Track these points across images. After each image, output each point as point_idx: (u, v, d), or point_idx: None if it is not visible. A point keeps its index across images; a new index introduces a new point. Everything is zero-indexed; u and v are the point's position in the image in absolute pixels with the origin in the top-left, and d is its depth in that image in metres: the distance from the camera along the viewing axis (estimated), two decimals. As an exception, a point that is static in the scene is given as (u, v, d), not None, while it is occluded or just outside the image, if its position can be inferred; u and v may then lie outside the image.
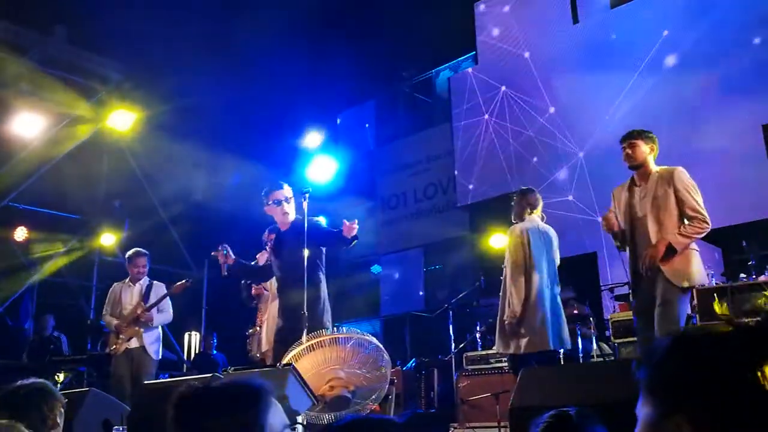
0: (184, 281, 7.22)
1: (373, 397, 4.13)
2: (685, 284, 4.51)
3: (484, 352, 7.65)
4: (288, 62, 11.05)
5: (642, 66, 9.15)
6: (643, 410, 1.10)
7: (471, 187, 10.92)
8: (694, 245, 4.62)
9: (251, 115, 11.37)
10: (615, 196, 5.04)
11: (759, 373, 0.98)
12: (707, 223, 4.56)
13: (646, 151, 4.84)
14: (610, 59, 9.50)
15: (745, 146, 8.20)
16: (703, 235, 4.62)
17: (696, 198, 4.61)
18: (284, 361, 3.94)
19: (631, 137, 4.89)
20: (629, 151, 4.84)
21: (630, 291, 4.90)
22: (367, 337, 4.22)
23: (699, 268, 4.62)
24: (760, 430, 0.99)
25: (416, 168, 12.40)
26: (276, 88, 11.21)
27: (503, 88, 10.77)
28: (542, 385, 3.46)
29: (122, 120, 10.69)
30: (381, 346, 4.26)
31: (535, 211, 5.76)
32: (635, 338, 5.68)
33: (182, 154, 10.92)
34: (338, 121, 13.64)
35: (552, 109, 10.07)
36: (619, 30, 9.56)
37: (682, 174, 4.71)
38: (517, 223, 5.75)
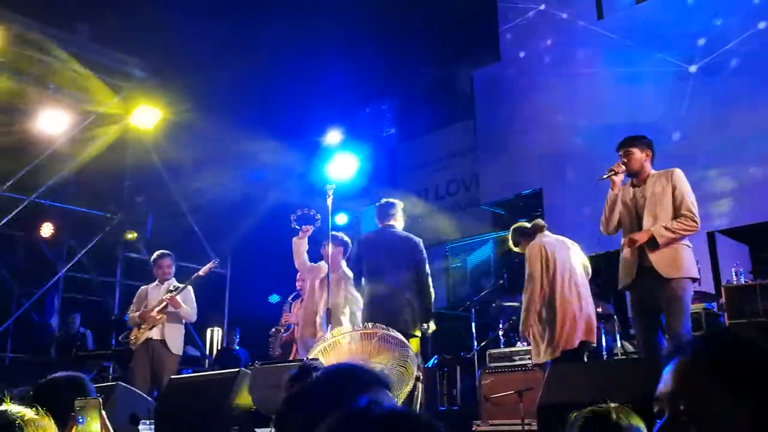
0: (211, 262, 7.28)
1: (399, 393, 4.12)
2: (677, 274, 4.58)
3: (507, 350, 7.60)
4: (310, 59, 11.07)
5: (670, 62, 9.05)
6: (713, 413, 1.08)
7: (494, 184, 10.86)
8: (685, 241, 4.71)
9: (274, 112, 11.39)
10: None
11: None
12: (696, 222, 4.65)
13: (642, 158, 4.93)
14: (636, 56, 9.40)
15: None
16: (690, 233, 4.70)
17: (691, 199, 4.72)
18: (310, 356, 3.95)
19: (626, 145, 4.98)
20: (625, 159, 4.93)
21: (624, 289, 4.96)
22: (392, 333, 4.21)
23: (690, 260, 4.70)
24: None
25: (437, 165, 12.36)
26: (298, 84, 11.23)
27: (526, 84, 10.70)
28: (570, 382, 3.44)
29: (146, 117, 10.77)
30: (406, 341, 4.25)
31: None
32: None
33: (205, 150, 10.98)
34: (360, 116, 13.63)
35: (577, 106, 9.99)
36: (645, 26, 9.46)
37: (681, 174, 4.81)
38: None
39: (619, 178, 4.91)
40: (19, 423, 1.44)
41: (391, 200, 6.46)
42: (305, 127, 11.64)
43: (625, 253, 4.81)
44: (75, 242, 11.50)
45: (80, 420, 2.39)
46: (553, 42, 10.49)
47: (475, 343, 7.98)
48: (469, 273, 11.48)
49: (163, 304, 6.85)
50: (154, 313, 6.82)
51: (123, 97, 11.33)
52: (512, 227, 6.31)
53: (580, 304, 5.84)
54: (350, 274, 6.43)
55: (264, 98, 11.14)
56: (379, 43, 11.15)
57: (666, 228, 4.59)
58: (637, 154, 4.90)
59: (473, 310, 8.19)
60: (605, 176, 4.95)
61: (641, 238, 4.60)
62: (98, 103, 11.16)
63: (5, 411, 1.52)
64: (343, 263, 6.54)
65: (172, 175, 11.69)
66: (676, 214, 4.68)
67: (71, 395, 2.90)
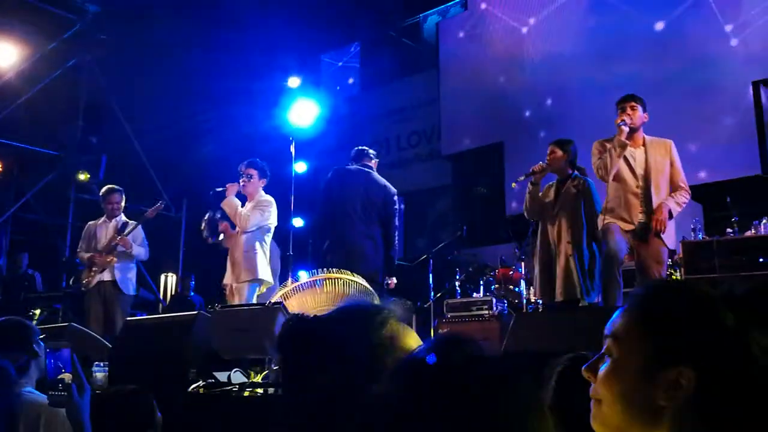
0: (158, 204, 7.19)
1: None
2: (671, 246, 4.94)
3: (465, 300, 7.67)
4: (270, 3, 10.76)
5: (635, 23, 9.03)
6: (626, 353, 1.11)
7: (455, 136, 10.82)
8: None
9: (232, 56, 11.10)
10: (600, 147, 5.03)
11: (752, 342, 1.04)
12: (689, 193, 5.00)
13: (643, 118, 4.97)
14: (605, 9, 9.35)
15: (732, 103, 8.18)
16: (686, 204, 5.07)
17: (682, 171, 4.98)
18: (273, 300, 3.89)
19: (633, 99, 4.98)
20: (630, 112, 4.89)
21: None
22: (356, 279, 4.18)
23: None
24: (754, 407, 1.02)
25: (400, 115, 12.22)
26: (258, 27, 10.93)
27: (491, 34, 10.59)
28: (536, 329, 3.46)
29: (100, 54, 10.37)
30: (369, 287, 4.23)
31: None
32: None
33: (162, 92, 10.67)
34: (321, 63, 13.36)
35: (542, 60, 9.93)
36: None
37: (674, 147, 5.01)
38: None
39: (626, 129, 4.90)
40: None
41: (368, 149, 6.37)
42: (266, 73, 11.37)
43: (628, 203, 4.90)
44: (25, 181, 11.14)
45: (50, 363, 2.33)
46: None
47: (432, 294, 8.03)
48: (428, 225, 11.49)
49: (113, 244, 6.76)
50: (104, 256, 6.72)
51: (76, 31, 10.89)
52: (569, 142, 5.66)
53: None
54: (270, 199, 6.22)
55: (224, 39, 10.81)
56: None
57: (676, 203, 4.85)
58: (640, 110, 4.95)
59: (431, 260, 8.23)
60: (620, 121, 4.91)
61: (665, 217, 4.75)
62: (50, 37, 10.71)
63: None
64: (262, 192, 6.29)
65: (127, 117, 11.35)
66: (674, 186, 4.92)
67: (16, 338, 2.81)
